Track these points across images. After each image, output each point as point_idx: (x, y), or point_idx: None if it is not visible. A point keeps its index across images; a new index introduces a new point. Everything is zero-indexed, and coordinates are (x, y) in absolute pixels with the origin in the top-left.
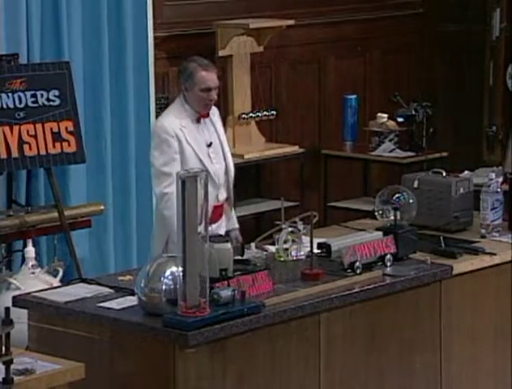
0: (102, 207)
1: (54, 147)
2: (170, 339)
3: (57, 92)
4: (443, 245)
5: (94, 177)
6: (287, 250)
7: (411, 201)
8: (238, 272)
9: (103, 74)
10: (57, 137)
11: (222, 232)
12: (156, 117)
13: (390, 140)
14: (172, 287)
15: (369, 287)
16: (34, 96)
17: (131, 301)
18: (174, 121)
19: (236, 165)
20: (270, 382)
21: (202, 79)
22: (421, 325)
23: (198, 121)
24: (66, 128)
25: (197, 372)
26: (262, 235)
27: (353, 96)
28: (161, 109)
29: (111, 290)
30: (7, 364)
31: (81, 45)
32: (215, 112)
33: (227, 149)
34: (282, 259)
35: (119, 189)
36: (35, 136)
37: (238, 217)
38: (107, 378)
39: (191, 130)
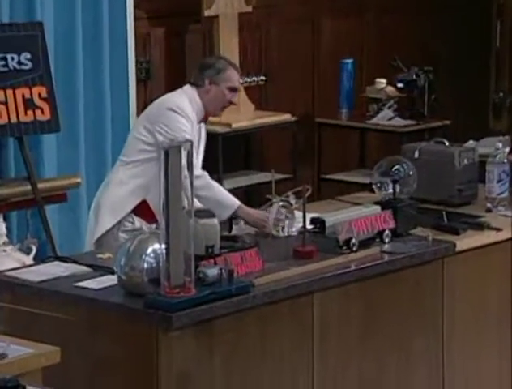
0: (79, 180)
1: (26, 114)
2: (152, 321)
3: (28, 55)
4: (445, 220)
5: (66, 147)
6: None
7: (411, 173)
8: (225, 250)
9: (76, 35)
10: (29, 104)
11: None
12: (137, 81)
13: (389, 107)
14: (154, 265)
15: (366, 265)
16: (4, 59)
17: (111, 280)
18: (190, 107)
19: (223, 135)
20: (259, 365)
21: (232, 77)
22: (422, 305)
23: (200, 121)
24: (39, 94)
25: (181, 356)
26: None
27: (350, 60)
28: (142, 73)
29: (89, 269)
30: None
31: (52, 4)
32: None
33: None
34: (273, 233)
35: (93, 160)
36: (5, 103)
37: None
38: (84, 362)
39: (194, 127)
